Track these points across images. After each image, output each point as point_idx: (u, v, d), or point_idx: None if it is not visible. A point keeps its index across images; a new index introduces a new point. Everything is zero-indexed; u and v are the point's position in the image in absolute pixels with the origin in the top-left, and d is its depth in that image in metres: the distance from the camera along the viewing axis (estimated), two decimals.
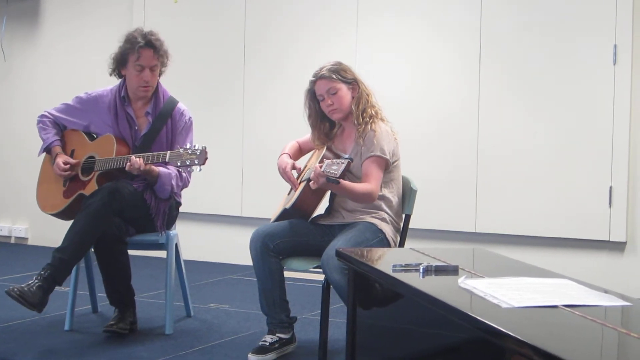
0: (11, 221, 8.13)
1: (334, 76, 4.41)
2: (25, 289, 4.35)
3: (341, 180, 4.06)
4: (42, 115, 5.07)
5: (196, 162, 4.51)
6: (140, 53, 4.82)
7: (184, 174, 4.87)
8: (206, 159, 4.52)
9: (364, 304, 3.32)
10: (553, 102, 6.18)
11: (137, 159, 4.61)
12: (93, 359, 4.40)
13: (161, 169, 4.77)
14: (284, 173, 4.55)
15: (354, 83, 4.46)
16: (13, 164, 8.01)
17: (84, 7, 7.81)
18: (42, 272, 4.44)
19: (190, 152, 4.51)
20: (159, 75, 4.97)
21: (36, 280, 4.40)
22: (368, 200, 4.31)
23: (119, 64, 4.91)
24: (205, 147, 4.53)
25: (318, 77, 4.45)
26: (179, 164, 4.54)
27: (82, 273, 5.05)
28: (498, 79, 6.34)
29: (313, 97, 4.50)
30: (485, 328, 2.28)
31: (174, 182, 4.81)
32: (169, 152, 4.59)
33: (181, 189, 4.94)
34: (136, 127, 4.92)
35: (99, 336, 4.75)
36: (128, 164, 4.62)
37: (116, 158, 4.74)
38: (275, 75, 7.05)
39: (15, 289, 4.33)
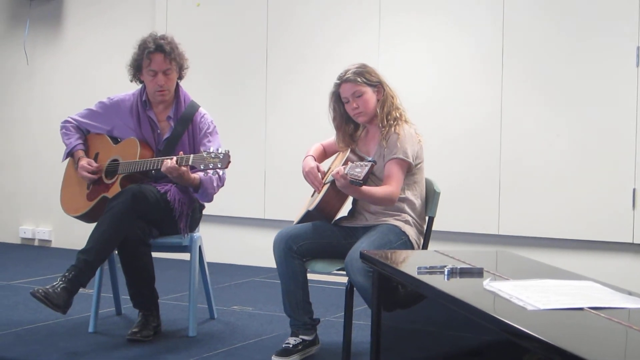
0: (35, 224, 8.17)
1: (359, 79, 4.40)
2: (50, 290, 4.37)
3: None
4: (65, 121, 5.10)
5: (219, 166, 4.50)
6: (150, 58, 4.84)
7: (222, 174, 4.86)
8: (229, 162, 4.52)
9: (388, 306, 3.32)
10: (576, 104, 6.15)
11: (170, 162, 4.60)
12: None
13: (201, 175, 4.75)
14: (308, 175, 4.55)
15: (379, 86, 4.44)
16: (36, 167, 8.05)
17: (106, 11, 7.84)
18: (67, 274, 4.46)
19: (213, 156, 4.51)
20: (180, 79, 4.99)
21: (61, 282, 4.42)
22: (388, 203, 4.30)
23: (136, 70, 4.94)
24: (228, 151, 4.52)
25: (343, 80, 4.43)
26: (202, 167, 4.53)
27: (106, 275, 5.07)
28: (521, 81, 6.31)
29: (338, 100, 4.49)
30: (511, 330, 2.27)
31: (214, 184, 4.81)
32: (192, 155, 4.60)
33: (219, 189, 4.91)
34: (158, 131, 4.94)
35: (123, 338, 4.76)
36: (164, 167, 4.59)
37: (140, 161, 4.75)
38: (298, 76, 7.05)
39: (40, 291, 4.36)
